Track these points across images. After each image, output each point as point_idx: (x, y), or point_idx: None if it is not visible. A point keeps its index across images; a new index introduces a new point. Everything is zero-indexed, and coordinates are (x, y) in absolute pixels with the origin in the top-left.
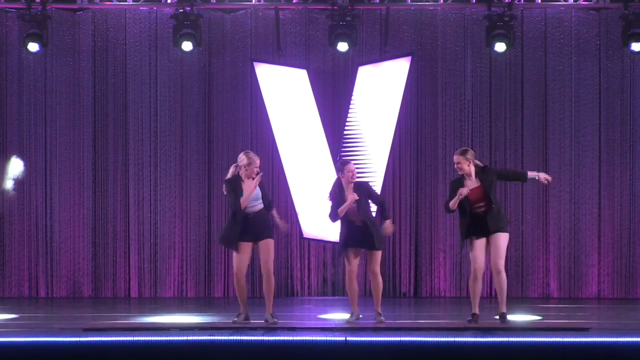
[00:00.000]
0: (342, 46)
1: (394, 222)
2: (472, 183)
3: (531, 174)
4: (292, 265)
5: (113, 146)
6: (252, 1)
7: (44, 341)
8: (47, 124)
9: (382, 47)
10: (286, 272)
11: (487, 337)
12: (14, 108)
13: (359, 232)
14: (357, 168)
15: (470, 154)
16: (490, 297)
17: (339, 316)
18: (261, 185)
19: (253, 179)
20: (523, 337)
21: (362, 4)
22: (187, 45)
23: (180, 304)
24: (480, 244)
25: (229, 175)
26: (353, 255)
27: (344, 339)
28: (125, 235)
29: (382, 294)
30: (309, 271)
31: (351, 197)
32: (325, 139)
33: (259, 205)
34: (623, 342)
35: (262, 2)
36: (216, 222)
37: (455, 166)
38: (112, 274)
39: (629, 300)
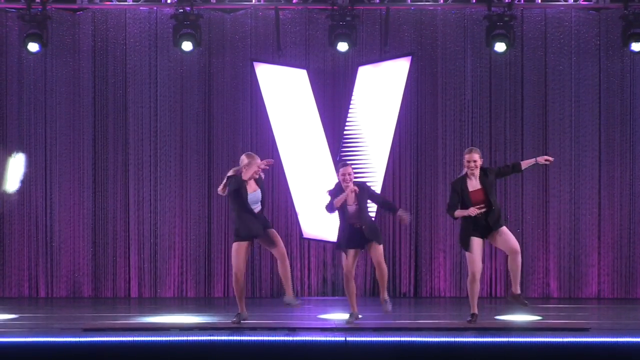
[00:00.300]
0: (342, 46)
1: (394, 223)
2: (474, 184)
3: (529, 162)
4: (292, 265)
5: (113, 146)
6: (252, 1)
7: (44, 341)
8: (47, 124)
9: (382, 47)
10: None
11: (487, 337)
12: (14, 108)
13: (358, 234)
14: (357, 168)
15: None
16: (490, 297)
17: (339, 316)
18: (263, 188)
19: (255, 178)
20: (523, 337)
21: (362, 4)
22: (187, 45)
23: (180, 304)
24: (479, 245)
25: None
26: (352, 256)
27: (344, 339)
28: (125, 235)
29: None
30: (309, 271)
31: (349, 188)
32: (325, 139)
33: (258, 207)
34: (623, 342)
35: (262, 2)
36: (216, 222)
37: (472, 164)
38: (112, 274)
39: (629, 300)
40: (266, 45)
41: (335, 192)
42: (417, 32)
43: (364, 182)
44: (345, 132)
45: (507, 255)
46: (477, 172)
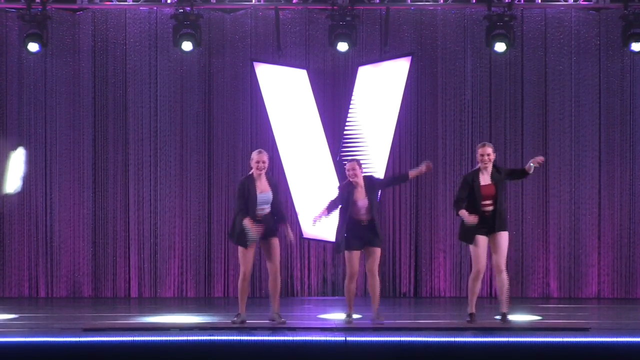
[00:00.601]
0: (342, 46)
1: (393, 223)
2: (486, 178)
3: (529, 167)
4: (292, 265)
5: (113, 146)
6: (252, 1)
7: (44, 341)
8: (47, 124)
9: (382, 47)
10: (286, 272)
11: (487, 337)
12: (14, 108)
13: (362, 232)
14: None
15: None
16: (490, 297)
17: (339, 316)
18: (276, 192)
19: (260, 175)
20: (523, 337)
21: (362, 4)
22: (187, 45)
23: (180, 304)
24: (483, 242)
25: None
26: (356, 257)
27: (344, 339)
28: (125, 235)
29: (382, 294)
30: (309, 271)
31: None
32: (325, 139)
33: (267, 209)
34: (623, 342)
35: (262, 2)
36: (216, 222)
37: (485, 158)
38: (112, 274)
39: (629, 300)
40: (266, 45)
41: (344, 187)
42: (417, 32)
43: (371, 175)
44: (345, 132)
45: (510, 255)
46: (490, 166)
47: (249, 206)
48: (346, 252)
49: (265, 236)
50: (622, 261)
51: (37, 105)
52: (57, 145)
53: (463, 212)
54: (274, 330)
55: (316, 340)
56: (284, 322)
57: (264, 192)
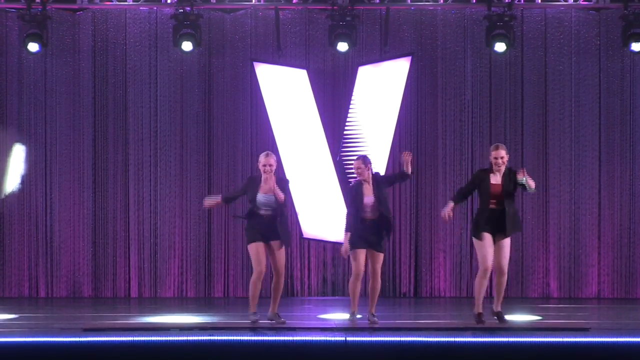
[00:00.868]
0: (342, 46)
1: (393, 222)
2: (497, 178)
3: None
4: (292, 265)
5: (113, 146)
6: (252, 1)
7: (44, 341)
8: (47, 124)
9: (382, 47)
10: (286, 272)
11: (487, 337)
12: (14, 108)
13: (368, 232)
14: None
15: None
16: (489, 297)
17: (339, 316)
18: (282, 191)
19: (267, 178)
20: (523, 337)
21: (362, 4)
22: (187, 45)
23: (180, 304)
24: (489, 240)
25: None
26: (361, 256)
27: (344, 339)
28: (125, 235)
29: (382, 294)
30: (309, 271)
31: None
32: (325, 139)
33: (270, 210)
34: (623, 342)
35: (262, 2)
36: (216, 222)
37: (499, 161)
38: (112, 274)
39: (629, 300)
40: (266, 45)
41: (354, 187)
42: (417, 32)
43: (377, 172)
44: (345, 132)
45: (510, 255)
46: (503, 168)
47: (252, 205)
48: (351, 251)
49: (268, 239)
50: (622, 261)
51: (37, 105)
52: (57, 145)
53: (446, 208)
54: (274, 330)
55: (316, 340)
56: (283, 322)
57: (267, 193)
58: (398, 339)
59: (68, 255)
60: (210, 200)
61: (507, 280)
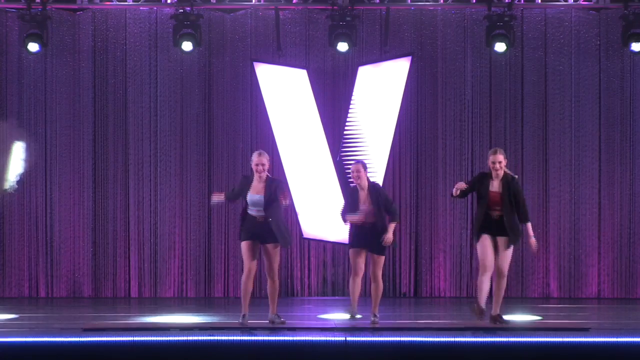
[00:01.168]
0: (342, 46)
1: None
2: (495, 185)
3: (529, 230)
4: (292, 265)
5: (113, 146)
6: (252, 1)
7: (44, 341)
8: (47, 124)
9: (382, 47)
10: (286, 272)
11: (487, 337)
12: (14, 108)
13: (365, 234)
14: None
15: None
16: (489, 296)
17: (339, 316)
18: (272, 195)
19: (260, 177)
20: (523, 337)
21: (362, 4)
22: (187, 45)
23: (180, 304)
24: (487, 241)
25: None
26: (357, 255)
27: (344, 339)
28: (125, 235)
29: (382, 294)
30: (309, 271)
31: (362, 213)
32: (325, 139)
33: (260, 211)
34: (623, 342)
35: (262, 2)
36: (216, 222)
37: (497, 165)
38: (112, 274)
39: (629, 300)
40: (266, 45)
41: (351, 192)
42: (417, 32)
43: (378, 185)
44: (345, 132)
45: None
46: (501, 173)
47: (244, 205)
48: (350, 250)
49: (263, 240)
50: (622, 261)
51: (37, 105)
52: (57, 145)
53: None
54: (274, 330)
55: (316, 340)
56: (283, 322)
57: (256, 193)
58: (398, 339)
59: (68, 255)
60: (217, 196)
61: (507, 280)
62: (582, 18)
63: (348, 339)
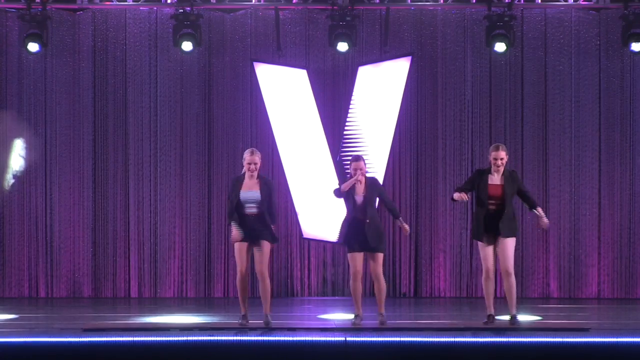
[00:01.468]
0: (342, 46)
1: (394, 223)
2: (495, 179)
3: (538, 210)
4: (292, 265)
5: (113, 146)
6: (252, 1)
7: (44, 341)
8: (47, 124)
9: (382, 47)
10: (286, 272)
11: (487, 337)
12: (14, 108)
13: (362, 233)
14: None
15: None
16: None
17: (339, 316)
18: (267, 193)
19: (252, 175)
20: (523, 337)
21: (362, 4)
22: (187, 45)
23: (180, 304)
24: (488, 241)
25: (241, 172)
26: (357, 258)
27: (344, 339)
28: (125, 235)
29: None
30: (309, 271)
31: (357, 177)
32: (325, 139)
33: (255, 208)
34: (623, 342)
35: (262, 2)
36: (216, 222)
37: (498, 162)
38: (112, 274)
39: (629, 300)
40: (266, 45)
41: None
42: (417, 32)
43: (376, 178)
44: (345, 132)
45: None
46: (502, 169)
47: (236, 205)
48: (348, 255)
49: (253, 238)
50: (622, 261)
51: (37, 105)
52: (57, 145)
53: (455, 194)
54: (274, 330)
55: (316, 340)
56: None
57: (250, 189)
58: (398, 339)
59: (68, 255)
60: (235, 233)
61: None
62: (582, 18)
63: (348, 339)
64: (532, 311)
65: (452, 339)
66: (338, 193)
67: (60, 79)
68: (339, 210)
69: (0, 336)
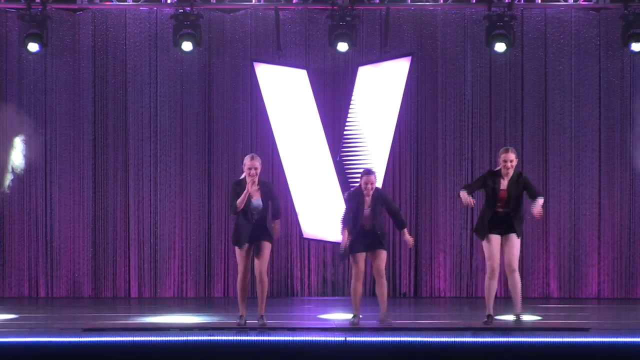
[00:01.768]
0: (342, 46)
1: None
2: (504, 183)
3: (538, 200)
4: (292, 265)
5: (113, 146)
6: (252, 1)
7: (44, 341)
8: (47, 124)
9: (382, 47)
10: (286, 272)
11: (487, 337)
12: (14, 108)
13: (366, 236)
14: (357, 168)
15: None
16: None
17: (339, 316)
18: (267, 196)
19: (253, 181)
20: (523, 337)
21: (362, 4)
22: (187, 45)
23: (180, 304)
24: (496, 240)
25: (241, 177)
26: (360, 258)
27: (344, 339)
28: (125, 235)
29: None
30: (309, 271)
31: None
32: (325, 139)
33: (257, 214)
34: (623, 342)
35: (262, 2)
36: (216, 222)
37: (508, 164)
38: (112, 274)
39: (629, 300)
40: (266, 45)
41: (352, 195)
42: (417, 32)
43: (385, 191)
44: (345, 132)
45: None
46: (511, 172)
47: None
48: (350, 256)
49: (257, 239)
50: (622, 261)
51: (37, 105)
52: (57, 145)
53: (462, 194)
54: (273, 330)
55: (316, 340)
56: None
57: (253, 198)
58: (398, 339)
59: (68, 255)
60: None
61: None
62: (582, 18)
63: (348, 339)
64: (532, 311)
65: (452, 339)
66: (345, 223)
67: (60, 79)
68: (339, 210)
69: (0, 336)
